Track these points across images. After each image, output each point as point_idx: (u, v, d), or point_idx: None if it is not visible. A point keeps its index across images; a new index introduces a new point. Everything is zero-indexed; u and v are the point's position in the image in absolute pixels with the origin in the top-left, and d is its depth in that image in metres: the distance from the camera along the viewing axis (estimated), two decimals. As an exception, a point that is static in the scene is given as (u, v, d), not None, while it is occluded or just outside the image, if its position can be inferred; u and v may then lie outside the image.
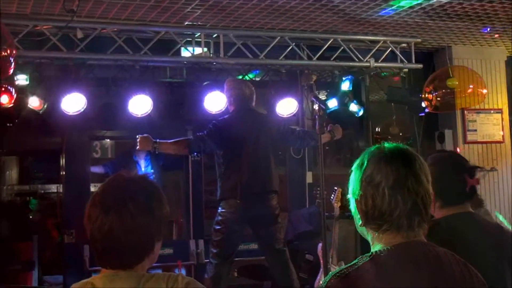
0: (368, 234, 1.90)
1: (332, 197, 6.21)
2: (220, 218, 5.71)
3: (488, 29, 7.15)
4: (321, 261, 5.80)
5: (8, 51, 5.24)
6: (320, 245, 5.97)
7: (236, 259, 6.15)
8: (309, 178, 7.93)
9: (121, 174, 2.20)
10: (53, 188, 9.07)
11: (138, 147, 5.64)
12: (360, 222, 1.89)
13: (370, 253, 1.84)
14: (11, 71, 5.34)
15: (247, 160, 5.67)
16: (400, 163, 1.84)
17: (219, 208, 5.74)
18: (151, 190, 2.12)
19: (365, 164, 1.87)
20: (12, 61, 5.29)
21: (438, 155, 2.88)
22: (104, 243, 2.02)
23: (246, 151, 5.70)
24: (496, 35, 7.46)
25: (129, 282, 2.03)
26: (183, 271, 7.01)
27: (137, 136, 5.56)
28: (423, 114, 7.76)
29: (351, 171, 1.92)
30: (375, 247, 1.86)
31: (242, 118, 5.85)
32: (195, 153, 5.81)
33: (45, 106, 6.39)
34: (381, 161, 1.85)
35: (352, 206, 1.91)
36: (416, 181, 1.83)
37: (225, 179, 5.71)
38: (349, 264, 1.83)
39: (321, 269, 5.81)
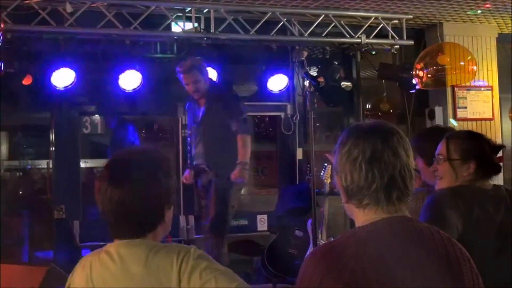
0: (351, 211, 1.91)
1: (322, 174, 6.22)
2: None
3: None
4: (311, 237, 5.83)
5: (-4, 25, 5.20)
6: (310, 221, 5.99)
7: (227, 234, 6.18)
8: (299, 154, 7.93)
9: (127, 147, 2.26)
10: (43, 163, 9.03)
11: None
12: (344, 199, 1.91)
13: (353, 229, 1.87)
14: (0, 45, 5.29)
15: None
16: (377, 137, 1.85)
17: None
18: (157, 160, 2.19)
19: (344, 140, 1.89)
20: (0, 35, 5.25)
21: (467, 131, 3.08)
22: (115, 214, 2.09)
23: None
24: (487, 5, 7.37)
25: (141, 249, 2.08)
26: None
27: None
28: (413, 91, 7.76)
29: (335, 149, 1.94)
30: (358, 223, 1.87)
31: None
32: None
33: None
34: (359, 136, 1.87)
35: (336, 183, 1.93)
36: (393, 154, 1.83)
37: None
38: (334, 239, 1.86)
39: (311, 245, 5.84)
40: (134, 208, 2.07)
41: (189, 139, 5.88)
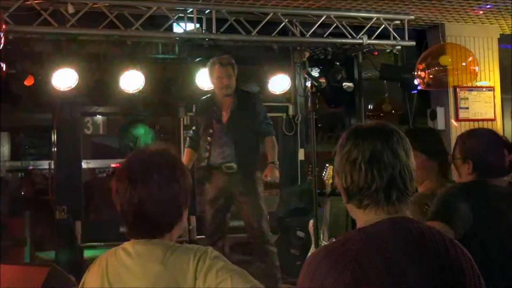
0: (353, 212, 1.92)
1: (323, 174, 6.22)
2: None
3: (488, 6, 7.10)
4: (312, 238, 5.84)
5: (-2, 26, 5.20)
6: (311, 221, 5.99)
7: (229, 235, 6.17)
8: (301, 155, 7.94)
9: (142, 149, 2.26)
10: (44, 164, 9.04)
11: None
12: (344, 200, 1.92)
13: (354, 230, 1.87)
14: (1, 46, 5.29)
15: None
16: (377, 138, 1.86)
17: None
18: (174, 161, 2.20)
19: (344, 141, 1.90)
20: (2, 36, 5.25)
21: (477, 129, 3.05)
22: (135, 215, 2.10)
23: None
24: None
25: (158, 248, 2.10)
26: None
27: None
28: (415, 91, 7.75)
29: (335, 150, 1.94)
30: (359, 224, 1.88)
31: None
32: None
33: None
34: (358, 137, 1.87)
35: (337, 184, 1.94)
36: (393, 155, 1.84)
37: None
38: (335, 240, 1.86)
39: (312, 246, 5.84)
40: (154, 209, 2.08)
41: (209, 138, 5.75)
